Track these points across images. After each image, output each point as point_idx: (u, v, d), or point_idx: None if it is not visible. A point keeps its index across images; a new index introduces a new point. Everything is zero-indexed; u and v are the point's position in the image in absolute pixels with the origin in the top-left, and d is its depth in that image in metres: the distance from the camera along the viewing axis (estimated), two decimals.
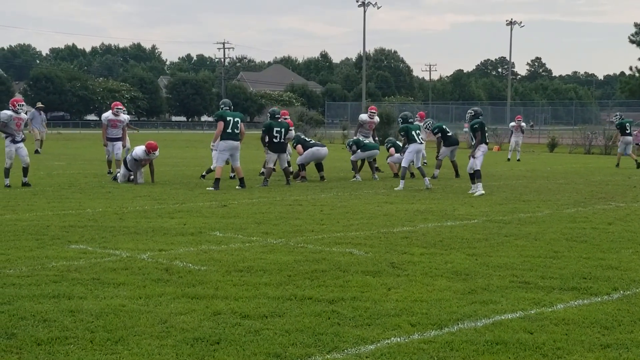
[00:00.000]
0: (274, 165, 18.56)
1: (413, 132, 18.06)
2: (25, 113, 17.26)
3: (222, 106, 17.64)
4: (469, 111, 17.48)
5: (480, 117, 17.18)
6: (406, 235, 10.53)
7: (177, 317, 6.21)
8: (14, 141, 16.60)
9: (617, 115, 29.94)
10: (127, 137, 22.47)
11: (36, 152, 29.73)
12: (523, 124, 32.25)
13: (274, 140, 18.09)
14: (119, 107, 20.31)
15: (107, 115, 20.20)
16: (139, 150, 17.71)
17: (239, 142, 17.30)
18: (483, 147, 16.76)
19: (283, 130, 18.09)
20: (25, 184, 16.62)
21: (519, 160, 30.80)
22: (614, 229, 11.40)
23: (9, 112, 16.59)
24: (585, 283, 7.63)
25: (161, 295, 6.93)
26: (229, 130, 17.06)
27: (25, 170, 16.86)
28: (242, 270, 8.04)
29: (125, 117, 21.89)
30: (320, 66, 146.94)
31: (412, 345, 5.57)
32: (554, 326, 6.07)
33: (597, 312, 6.50)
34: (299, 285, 7.38)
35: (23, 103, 16.95)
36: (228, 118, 17.07)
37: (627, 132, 27.98)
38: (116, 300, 6.73)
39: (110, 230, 10.68)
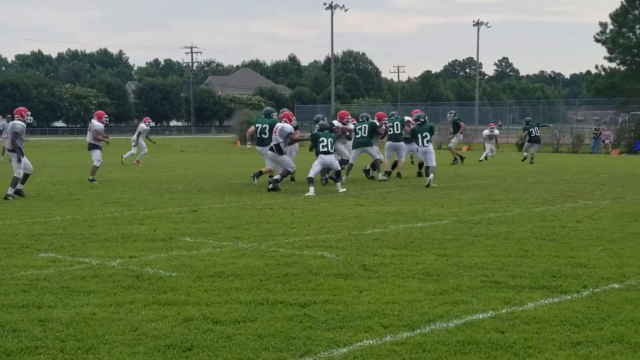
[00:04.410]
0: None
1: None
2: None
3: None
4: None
5: (419, 121, 19.30)
6: (377, 237, 10.55)
7: (149, 324, 6.16)
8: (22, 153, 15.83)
9: (527, 119, 32.32)
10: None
11: None
12: (496, 131, 32.84)
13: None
14: (106, 116, 20.70)
15: (102, 125, 19.90)
16: None
17: (262, 147, 18.52)
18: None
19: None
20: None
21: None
22: (582, 227, 11.50)
23: (21, 123, 15.84)
24: (555, 281, 7.69)
25: (132, 302, 6.87)
26: (257, 136, 18.75)
27: (25, 178, 16.20)
28: (213, 275, 8.00)
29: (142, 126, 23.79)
30: (288, 69, 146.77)
31: (384, 347, 5.58)
32: (525, 325, 6.11)
33: (567, 310, 6.55)
34: (271, 289, 7.37)
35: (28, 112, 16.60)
36: (256, 125, 18.96)
37: (533, 135, 29.87)
38: (86, 308, 6.67)
39: (79, 237, 10.58)
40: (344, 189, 17.25)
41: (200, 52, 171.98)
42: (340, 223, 11.97)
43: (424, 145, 19.17)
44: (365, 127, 20.42)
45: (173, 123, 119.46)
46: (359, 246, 9.79)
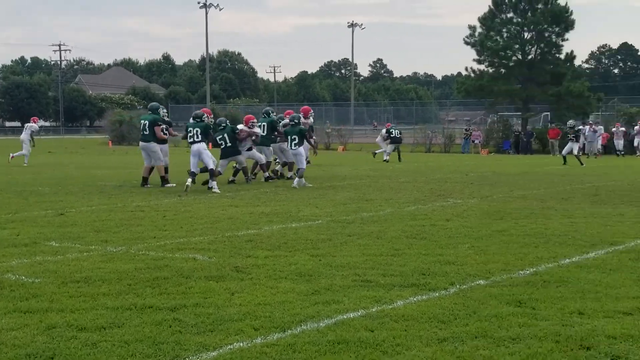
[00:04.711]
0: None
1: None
2: None
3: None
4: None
5: (292, 122, 19.44)
6: (251, 238, 10.48)
7: (9, 333, 5.88)
8: None
9: (392, 125, 35.63)
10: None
11: None
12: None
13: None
14: None
15: None
16: None
17: (145, 143, 18.52)
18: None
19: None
20: None
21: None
22: (451, 225, 11.78)
23: None
24: (424, 279, 7.82)
25: None
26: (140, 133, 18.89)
27: None
28: (79, 281, 7.72)
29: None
30: (162, 68, 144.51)
31: (254, 349, 5.52)
32: (394, 323, 6.18)
33: (434, 307, 6.67)
34: (140, 293, 7.18)
35: None
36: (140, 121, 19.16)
37: (392, 135, 32.82)
38: None
39: None
40: (219, 190, 17.12)
41: (69, 49, 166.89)
42: (213, 225, 11.83)
43: (292, 148, 19.10)
44: (264, 125, 20.46)
45: (41, 123, 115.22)
46: (232, 248, 9.69)
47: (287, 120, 21.06)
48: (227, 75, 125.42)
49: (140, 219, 12.52)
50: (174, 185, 18.52)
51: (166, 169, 18.91)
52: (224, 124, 19.26)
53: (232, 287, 7.45)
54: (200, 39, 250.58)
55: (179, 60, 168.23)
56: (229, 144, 19.07)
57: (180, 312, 6.51)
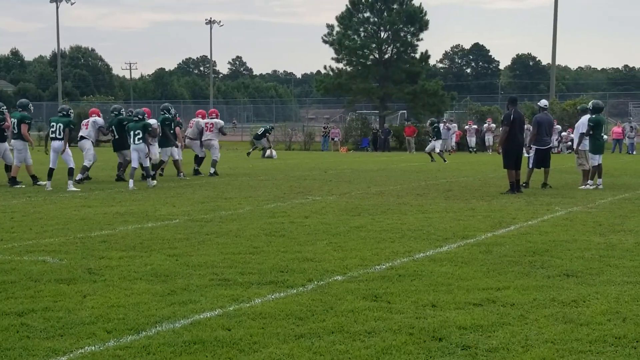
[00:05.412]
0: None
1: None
2: None
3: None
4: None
5: (136, 117, 18.39)
6: (105, 239, 10.18)
7: None
8: None
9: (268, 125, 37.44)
10: None
11: None
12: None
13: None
14: None
15: None
16: None
17: (14, 141, 18.13)
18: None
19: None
20: None
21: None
22: (310, 222, 11.85)
23: None
24: (282, 276, 7.81)
25: None
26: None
27: None
28: None
29: None
30: (11, 64, 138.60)
31: (107, 352, 5.35)
32: (251, 321, 6.13)
33: (292, 303, 6.67)
34: None
35: None
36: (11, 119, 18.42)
37: (260, 134, 35.05)
38: None
39: None
40: (77, 189, 16.78)
41: None
42: (65, 226, 11.41)
43: (134, 143, 17.95)
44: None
45: None
46: (85, 249, 9.38)
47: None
48: (81, 72, 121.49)
49: None
50: (24, 186, 17.82)
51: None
52: (115, 112, 19.76)
53: (84, 290, 7.21)
54: (51, 34, 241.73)
55: (28, 55, 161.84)
56: (116, 137, 19.69)
57: (29, 317, 6.24)
